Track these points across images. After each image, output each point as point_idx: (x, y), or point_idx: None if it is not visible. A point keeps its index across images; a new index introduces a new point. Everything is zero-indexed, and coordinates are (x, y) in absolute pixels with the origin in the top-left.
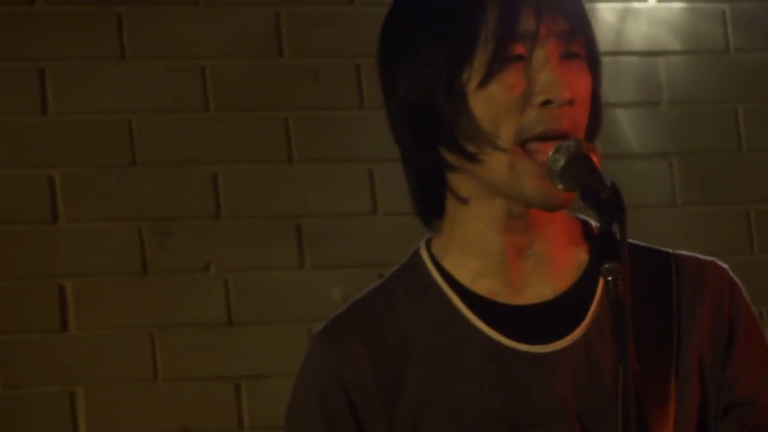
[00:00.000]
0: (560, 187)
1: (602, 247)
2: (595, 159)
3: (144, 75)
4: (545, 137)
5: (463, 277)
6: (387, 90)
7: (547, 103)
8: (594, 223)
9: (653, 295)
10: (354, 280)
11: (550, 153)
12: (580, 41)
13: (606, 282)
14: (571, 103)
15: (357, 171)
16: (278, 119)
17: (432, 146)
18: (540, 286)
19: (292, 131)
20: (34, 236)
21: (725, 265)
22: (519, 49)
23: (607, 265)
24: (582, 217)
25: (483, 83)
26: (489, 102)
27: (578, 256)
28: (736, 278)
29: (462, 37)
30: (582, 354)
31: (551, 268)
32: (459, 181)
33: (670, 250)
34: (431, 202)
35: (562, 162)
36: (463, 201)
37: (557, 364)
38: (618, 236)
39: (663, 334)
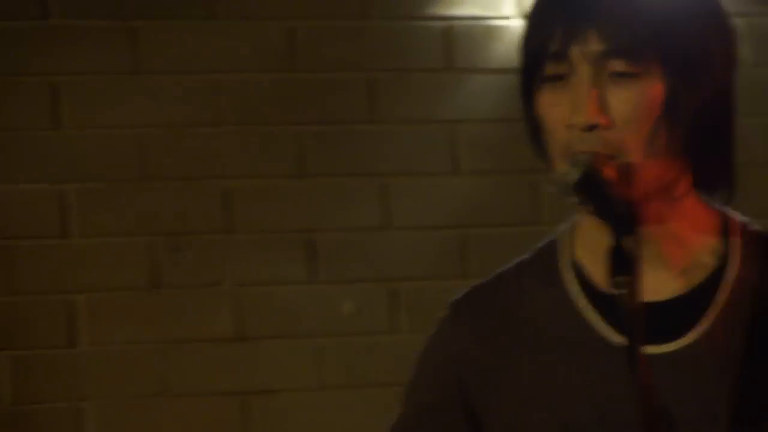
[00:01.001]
0: (575, 201)
1: (615, 260)
2: (609, 173)
3: (157, 89)
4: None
5: (590, 270)
6: None
7: (572, 126)
8: (738, 218)
9: None
10: (366, 294)
11: (564, 167)
12: (633, 59)
13: (616, 296)
14: (593, 127)
15: (370, 185)
16: (291, 134)
17: None
18: (658, 285)
19: (305, 146)
20: (47, 251)
21: None
22: (553, 68)
23: (617, 279)
24: (725, 211)
25: (527, 99)
26: (539, 117)
27: (701, 260)
28: None
29: (522, 51)
30: (690, 360)
31: (670, 267)
32: None
33: None
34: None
35: (575, 176)
36: None
37: (666, 366)
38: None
39: None
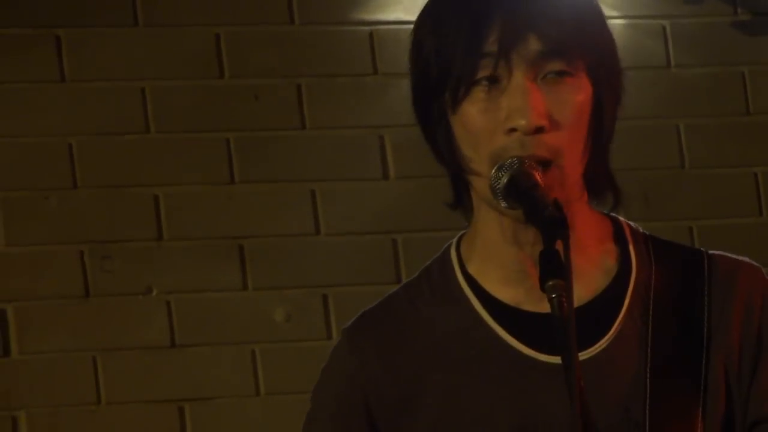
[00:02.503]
0: (503, 205)
1: (547, 264)
2: (538, 176)
3: (84, 97)
4: None
5: (488, 284)
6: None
7: (513, 130)
8: (629, 225)
9: (684, 298)
10: (297, 300)
11: (493, 171)
12: (569, 59)
13: (550, 300)
14: (539, 130)
15: (299, 191)
16: (219, 140)
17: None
18: None
19: (233, 152)
20: None
21: (759, 267)
22: (485, 71)
23: (550, 283)
24: (614, 216)
25: (454, 106)
26: (462, 125)
27: (606, 265)
28: None
29: (439, 57)
30: (604, 366)
31: (577, 274)
32: (471, 189)
33: (704, 250)
34: (458, 197)
35: (504, 180)
36: (477, 209)
37: (585, 373)
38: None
39: (692, 343)
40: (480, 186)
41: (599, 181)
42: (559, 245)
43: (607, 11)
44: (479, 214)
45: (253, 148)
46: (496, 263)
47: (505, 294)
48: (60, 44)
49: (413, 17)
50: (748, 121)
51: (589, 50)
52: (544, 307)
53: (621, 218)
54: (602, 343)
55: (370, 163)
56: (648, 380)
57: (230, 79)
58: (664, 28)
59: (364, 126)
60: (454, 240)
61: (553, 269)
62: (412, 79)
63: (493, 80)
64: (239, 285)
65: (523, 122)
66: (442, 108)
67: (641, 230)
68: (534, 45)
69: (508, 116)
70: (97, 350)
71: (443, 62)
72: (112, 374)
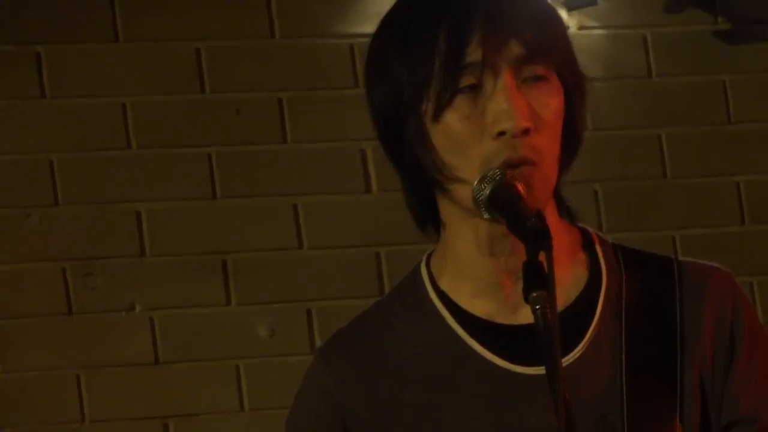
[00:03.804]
0: (486, 216)
1: (530, 275)
2: (520, 188)
3: (65, 114)
4: (505, 167)
5: (460, 298)
6: (368, 100)
7: (501, 134)
8: (596, 233)
9: (655, 304)
10: (281, 315)
11: (476, 183)
12: (546, 63)
13: (534, 311)
14: (527, 131)
15: (282, 205)
16: (201, 155)
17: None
18: None
19: (215, 167)
20: None
21: (729, 272)
22: (469, 79)
23: (534, 294)
24: (582, 226)
25: (436, 115)
26: (445, 134)
27: (577, 273)
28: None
29: (416, 67)
30: (579, 373)
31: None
32: (443, 203)
33: (674, 257)
34: (425, 215)
35: (487, 192)
36: (450, 223)
37: None
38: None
39: (666, 347)
40: (464, 195)
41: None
42: (541, 256)
43: (588, 22)
44: (451, 228)
45: (235, 162)
46: (470, 276)
47: (477, 307)
48: (40, 61)
49: None
50: (729, 130)
51: (560, 54)
52: (517, 319)
53: (589, 228)
54: (577, 351)
55: (352, 176)
56: (624, 386)
57: (211, 93)
58: (644, 38)
59: (346, 139)
60: (424, 257)
61: (537, 280)
62: (378, 97)
63: (477, 87)
64: (223, 300)
65: (511, 124)
66: (420, 121)
67: (609, 239)
68: (516, 49)
69: (495, 120)
70: (81, 368)
71: (420, 77)
72: (96, 392)
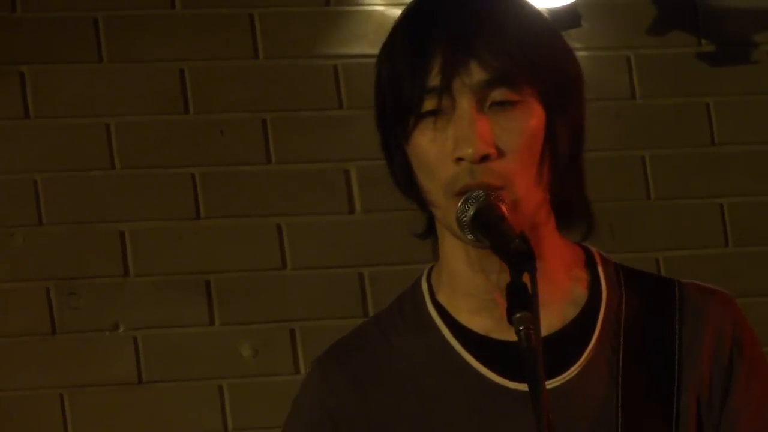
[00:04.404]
0: (470, 237)
1: (514, 296)
2: (504, 209)
3: (49, 134)
4: (462, 193)
5: (457, 314)
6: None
7: (461, 159)
8: (599, 253)
9: (655, 326)
10: (264, 335)
11: (460, 204)
12: (515, 86)
13: (518, 333)
14: (486, 158)
15: (265, 226)
16: (185, 175)
17: None
18: None
19: (199, 187)
20: None
21: (731, 296)
22: (431, 103)
23: (517, 315)
24: (585, 245)
25: (405, 137)
26: (415, 157)
27: (576, 292)
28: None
29: (392, 89)
30: (573, 394)
31: (544, 303)
32: (435, 220)
33: (676, 279)
34: (428, 230)
35: (470, 213)
36: (443, 240)
37: (554, 401)
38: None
39: (663, 370)
40: (439, 216)
41: (568, 209)
42: (526, 277)
43: (571, 43)
44: (444, 244)
45: (219, 183)
46: (464, 292)
47: (474, 323)
48: (24, 81)
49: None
50: (713, 152)
51: (539, 77)
52: (514, 336)
53: (592, 247)
54: (572, 371)
55: (336, 197)
56: (619, 409)
57: (195, 114)
58: (628, 60)
59: (329, 160)
60: (426, 270)
61: (520, 302)
62: (376, 119)
63: (440, 112)
64: (206, 320)
65: (469, 151)
66: (398, 139)
67: (612, 259)
68: (477, 75)
69: (455, 146)
70: (64, 387)
71: (395, 94)
72: (80, 411)
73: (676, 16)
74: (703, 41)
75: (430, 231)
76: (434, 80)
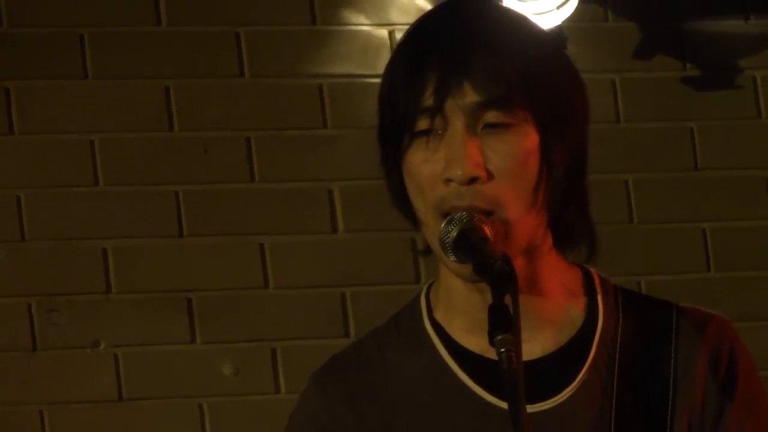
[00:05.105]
0: (452, 258)
1: (496, 318)
2: (487, 231)
3: (33, 149)
4: (450, 214)
5: (453, 331)
6: None
7: (449, 180)
8: (598, 274)
9: (650, 350)
10: (246, 354)
11: (443, 225)
12: (508, 109)
13: (499, 354)
14: (475, 180)
15: (248, 245)
16: (168, 193)
17: None
18: (528, 344)
19: (182, 205)
20: None
21: (729, 321)
22: (424, 123)
23: (499, 337)
24: (585, 267)
25: (401, 156)
26: (408, 176)
27: (572, 314)
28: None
29: (389, 106)
30: (567, 417)
31: (538, 325)
32: None
33: (674, 303)
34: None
35: (453, 234)
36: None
37: (540, 425)
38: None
39: (658, 394)
40: (427, 235)
41: (568, 231)
42: (508, 299)
43: None
44: (441, 263)
45: (202, 201)
46: (460, 310)
47: (470, 342)
48: (9, 96)
49: (363, 71)
50: (696, 177)
51: (534, 100)
52: None
53: (592, 269)
54: (565, 393)
55: (319, 216)
56: (612, 431)
57: (179, 131)
58: (613, 83)
59: (313, 179)
60: (426, 286)
61: (502, 324)
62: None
63: (433, 132)
64: (187, 338)
65: (458, 172)
66: (395, 156)
67: (611, 282)
68: (470, 96)
69: (446, 167)
70: (45, 404)
71: (392, 112)
72: (60, 428)
73: (661, 40)
74: (688, 66)
75: (430, 249)
76: (428, 100)
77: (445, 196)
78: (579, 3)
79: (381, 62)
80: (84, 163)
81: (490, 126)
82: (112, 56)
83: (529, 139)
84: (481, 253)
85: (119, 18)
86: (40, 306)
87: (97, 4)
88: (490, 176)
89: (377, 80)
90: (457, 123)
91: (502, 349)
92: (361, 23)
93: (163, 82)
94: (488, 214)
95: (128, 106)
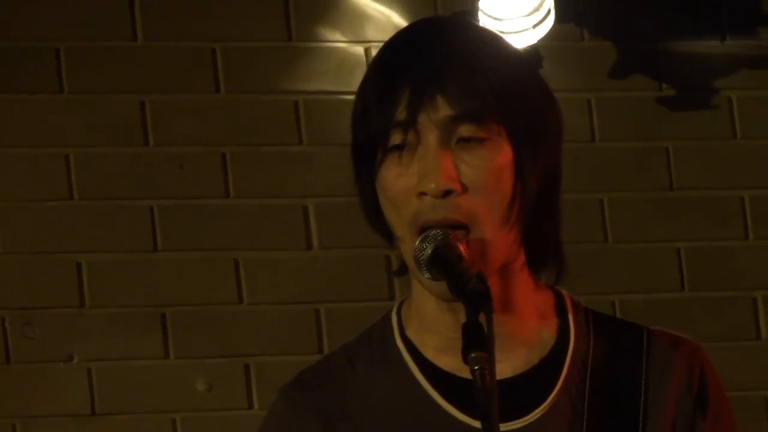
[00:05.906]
0: (427, 276)
1: (470, 336)
2: (462, 249)
3: (7, 163)
4: (424, 229)
5: (425, 349)
6: None
7: (423, 194)
8: (569, 297)
9: (621, 372)
10: (219, 370)
11: (417, 242)
12: (481, 123)
13: (472, 372)
14: (448, 193)
15: (222, 260)
16: (143, 208)
17: None
18: (499, 364)
19: (157, 220)
20: None
21: (700, 345)
22: (397, 137)
23: (473, 355)
24: (557, 289)
25: (374, 172)
26: (382, 191)
27: (543, 336)
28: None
29: (362, 122)
30: None
31: (510, 345)
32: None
33: (645, 326)
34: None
35: (428, 251)
36: (413, 275)
37: None
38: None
39: (628, 417)
40: (403, 251)
41: (540, 250)
42: (482, 317)
43: None
44: (414, 281)
45: (177, 216)
46: (433, 330)
47: (442, 360)
48: None
49: (339, 87)
50: (671, 197)
51: (508, 115)
52: None
53: (564, 291)
54: (536, 413)
55: (293, 232)
56: None
57: (155, 146)
58: (588, 102)
59: (288, 196)
60: (396, 303)
61: (476, 341)
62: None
63: (406, 146)
64: (161, 353)
65: (432, 186)
66: (369, 172)
67: (582, 304)
68: (444, 111)
69: (419, 180)
70: (17, 417)
71: (365, 127)
72: None
73: (637, 60)
74: (664, 86)
75: (405, 268)
76: (401, 114)
77: (420, 210)
78: (555, 22)
79: (357, 79)
80: (59, 177)
81: (464, 140)
82: (88, 71)
83: (503, 154)
84: (455, 271)
85: (95, 33)
86: (13, 319)
87: (74, 19)
88: (465, 189)
89: (353, 97)
90: (430, 137)
91: (476, 367)
92: (337, 40)
93: (138, 97)
94: (463, 228)
95: (104, 121)
